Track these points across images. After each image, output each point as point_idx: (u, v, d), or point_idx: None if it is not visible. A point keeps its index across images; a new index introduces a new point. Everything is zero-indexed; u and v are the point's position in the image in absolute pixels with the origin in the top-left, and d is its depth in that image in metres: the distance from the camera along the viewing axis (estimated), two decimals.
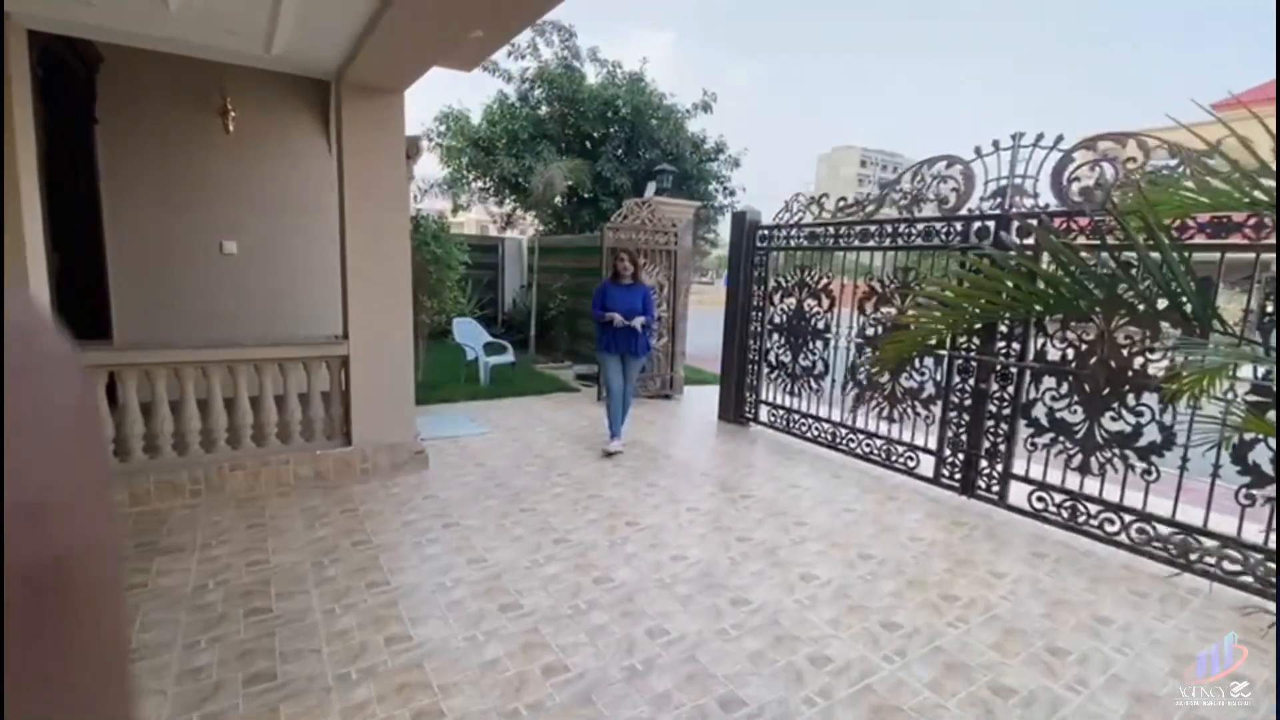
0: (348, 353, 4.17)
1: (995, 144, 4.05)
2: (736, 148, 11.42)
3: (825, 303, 5.43)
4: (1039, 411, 3.92)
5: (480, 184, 11.67)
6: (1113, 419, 3.59)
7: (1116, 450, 3.57)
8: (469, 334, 7.74)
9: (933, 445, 4.58)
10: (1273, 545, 2.97)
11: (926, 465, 4.63)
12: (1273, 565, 2.92)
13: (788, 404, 5.78)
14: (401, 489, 4.11)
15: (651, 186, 7.41)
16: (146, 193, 4.94)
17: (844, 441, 5.27)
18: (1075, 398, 3.74)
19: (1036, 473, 3.99)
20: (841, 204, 5.19)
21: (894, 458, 4.86)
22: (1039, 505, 3.95)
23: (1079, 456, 3.73)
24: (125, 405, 3.60)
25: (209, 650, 2.38)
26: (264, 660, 2.33)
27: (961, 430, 4.38)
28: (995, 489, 4.21)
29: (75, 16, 2.84)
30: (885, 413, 4.90)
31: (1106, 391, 3.58)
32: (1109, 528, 3.63)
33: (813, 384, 5.58)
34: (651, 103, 10.48)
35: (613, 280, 5.10)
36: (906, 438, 4.74)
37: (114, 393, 3.60)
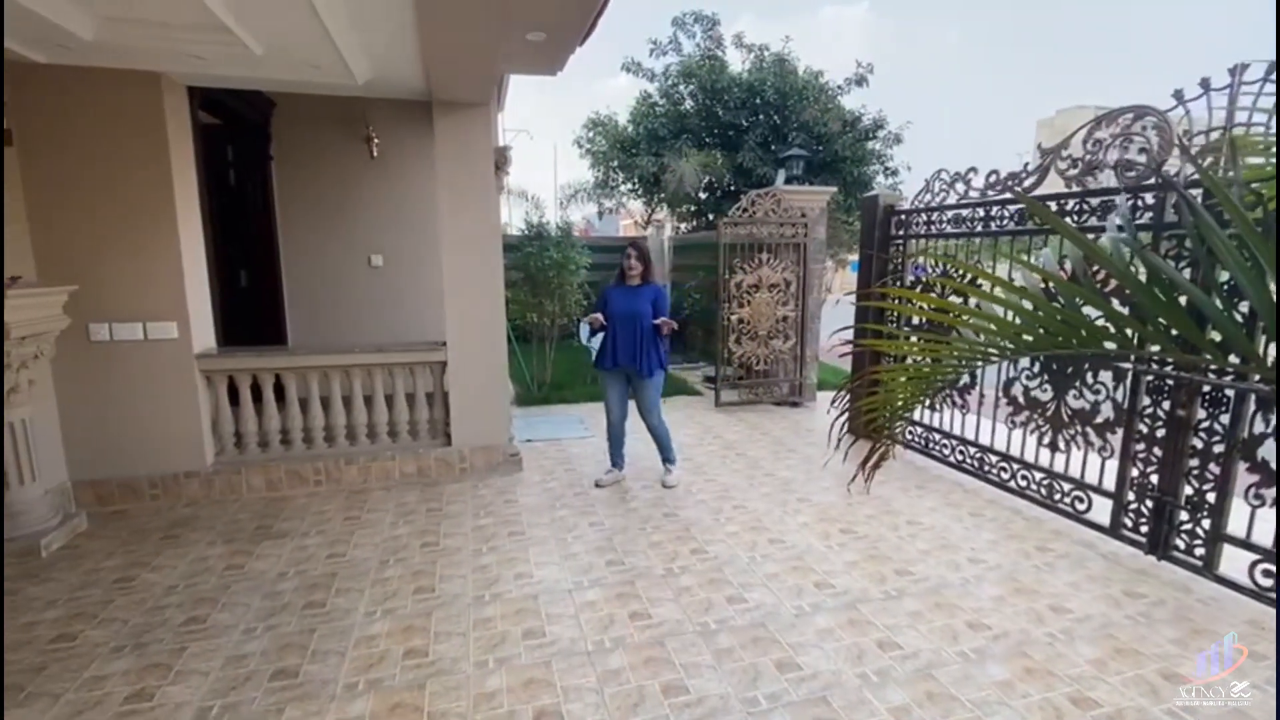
0: (446, 358, 4.39)
1: (1204, 83, 2.96)
2: (898, 122, 10.19)
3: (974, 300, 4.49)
4: (1269, 451, 2.81)
5: (628, 185, 11.84)
6: None
7: None
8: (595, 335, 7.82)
9: (1110, 485, 3.55)
10: None
11: (1101, 510, 3.60)
12: None
13: (926, 420, 4.93)
14: (488, 491, 4.22)
15: (781, 174, 6.83)
16: (309, 216, 5.71)
17: (994, 470, 4.33)
18: None
19: (1265, 535, 2.86)
20: (992, 179, 4.25)
21: (1057, 496, 3.87)
22: (1266, 582, 2.83)
23: None
24: (265, 403, 4.17)
25: (260, 638, 2.59)
26: (295, 657, 2.47)
27: (1151, 469, 3.32)
28: (1199, 551, 3.11)
29: (202, 69, 3.30)
30: (1047, 438, 3.91)
31: None
32: None
33: (957, 398, 4.68)
34: (797, 84, 9.70)
35: (618, 281, 4.22)
36: (1076, 470, 3.74)
37: (259, 393, 4.19)
